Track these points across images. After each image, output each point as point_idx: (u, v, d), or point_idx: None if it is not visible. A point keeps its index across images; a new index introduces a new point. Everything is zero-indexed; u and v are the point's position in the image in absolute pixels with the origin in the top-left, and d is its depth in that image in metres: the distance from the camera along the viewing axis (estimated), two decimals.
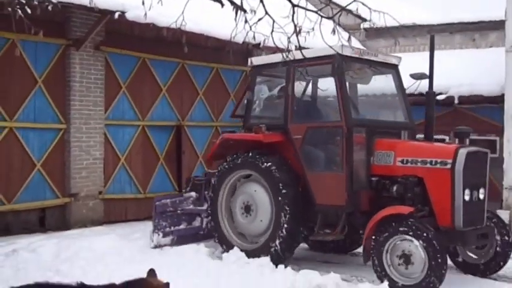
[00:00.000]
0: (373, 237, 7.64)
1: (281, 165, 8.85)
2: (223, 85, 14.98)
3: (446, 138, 12.65)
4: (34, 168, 11.34)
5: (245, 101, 9.87)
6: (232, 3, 4.93)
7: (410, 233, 7.32)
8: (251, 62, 9.67)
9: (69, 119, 11.75)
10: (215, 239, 9.56)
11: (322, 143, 8.91)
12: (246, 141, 9.27)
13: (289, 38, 4.96)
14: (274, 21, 4.83)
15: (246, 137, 9.38)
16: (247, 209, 9.16)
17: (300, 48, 5.16)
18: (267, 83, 10.25)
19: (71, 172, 11.77)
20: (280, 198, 8.62)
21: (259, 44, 6.71)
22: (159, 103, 13.62)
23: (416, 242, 7.27)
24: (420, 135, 9.14)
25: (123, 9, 10.97)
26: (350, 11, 15.79)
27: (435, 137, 9.03)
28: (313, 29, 4.76)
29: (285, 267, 8.24)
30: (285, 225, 8.55)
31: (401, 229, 7.40)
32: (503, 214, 11.43)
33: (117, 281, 4.30)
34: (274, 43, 5.03)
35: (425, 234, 7.23)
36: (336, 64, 8.25)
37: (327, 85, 9.29)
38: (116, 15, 11.05)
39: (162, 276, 4.50)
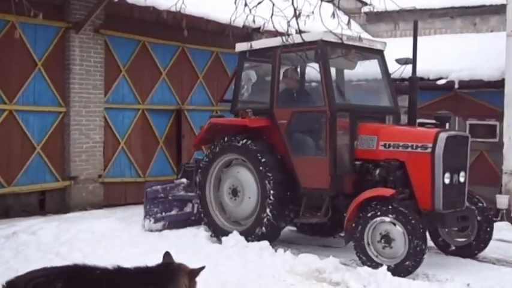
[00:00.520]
0: (355, 218, 7.79)
1: (267, 149, 9.00)
2: (223, 69, 14.94)
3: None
4: (34, 151, 11.36)
5: (233, 86, 9.94)
6: None
7: (391, 215, 7.50)
8: (237, 48, 9.72)
9: (69, 102, 11.74)
10: (203, 223, 9.67)
11: (306, 127, 9.04)
12: (232, 126, 9.41)
13: (288, 21, 4.94)
14: (274, 5, 4.81)
15: (232, 121, 9.53)
16: (234, 192, 9.32)
17: (299, 32, 5.15)
18: (255, 68, 10.36)
19: (71, 155, 11.79)
20: (266, 181, 8.77)
21: (259, 27, 6.69)
22: (159, 87, 13.60)
23: (396, 223, 7.45)
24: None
25: None
26: None
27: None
28: (313, 12, 4.75)
29: (284, 251, 8.28)
30: (271, 208, 8.71)
31: (382, 211, 7.57)
32: (503, 199, 11.49)
33: (116, 262, 4.31)
34: (274, 27, 5.01)
35: (405, 216, 7.40)
36: (320, 50, 8.43)
37: (314, 70, 9.36)
38: None
39: (160, 259, 4.51)
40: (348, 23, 4.90)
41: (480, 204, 8.61)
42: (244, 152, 9.09)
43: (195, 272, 4.30)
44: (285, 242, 9.26)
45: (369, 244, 7.67)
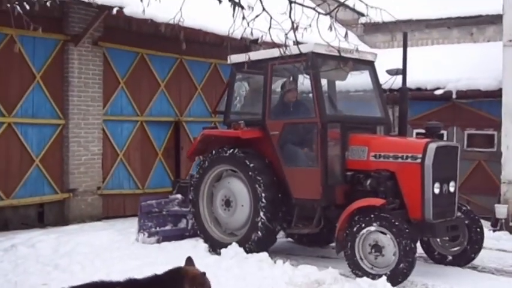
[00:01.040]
0: (346, 228, 7.82)
1: (254, 155, 9.08)
2: (222, 80, 14.95)
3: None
4: (33, 164, 11.36)
5: (225, 98, 10.01)
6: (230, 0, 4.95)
7: (382, 224, 7.55)
8: (230, 60, 9.74)
9: (68, 115, 11.76)
10: (200, 235, 9.66)
11: (298, 138, 9.13)
12: (225, 137, 9.50)
13: (286, 34, 4.98)
14: (271, 18, 4.84)
15: (225, 133, 9.64)
16: (227, 203, 9.37)
17: (297, 44, 5.18)
18: (247, 79, 10.42)
19: (70, 167, 11.79)
20: (256, 185, 8.83)
21: (257, 39, 6.72)
22: (157, 99, 13.63)
23: (387, 232, 7.49)
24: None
25: (121, 4, 10.96)
26: (348, 6, 15.84)
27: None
28: (310, 25, 4.78)
29: (284, 262, 8.28)
30: (264, 211, 8.76)
31: (372, 220, 7.61)
32: (502, 208, 11.49)
33: (115, 275, 4.36)
34: (271, 39, 5.04)
35: (395, 226, 7.44)
36: (310, 62, 8.48)
37: (305, 82, 9.42)
38: (114, 10, 11.02)
39: (160, 272, 4.54)
40: (345, 36, 4.93)
41: (464, 208, 8.72)
42: (232, 161, 9.17)
43: (199, 279, 4.34)
44: (284, 253, 9.27)
45: (361, 258, 7.71)
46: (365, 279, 7.42)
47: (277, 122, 9.06)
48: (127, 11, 11.04)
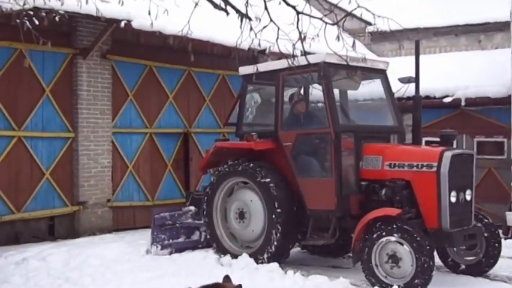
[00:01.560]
0: (362, 239, 7.77)
1: (270, 169, 9.04)
2: (230, 91, 15.00)
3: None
4: (43, 177, 11.40)
5: (237, 109, 9.99)
6: (238, 11, 4.97)
7: (398, 235, 7.46)
8: (241, 71, 9.75)
9: (77, 128, 11.82)
10: (213, 248, 9.63)
11: (312, 149, 9.07)
12: (238, 149, 9.47)
13: (294, 44, 4.99)
14: (279, 29, 4.86)
15: (237, 145, 9.63)
16: (241, 215, 9.32)
17: (305, 54, 5.20)
18: (259, 90, 10.41)
19: (80, 180, 11.83)
20: (271, 200, 8.78)
21: (265, 50, 6.73)
22: (166, 110, 13.67)
23: (404, 243, 7.41)
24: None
25: (129, 17, 11.03)
26: (355, 16, 15.83)
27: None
28: (317, 35, 4.79)
29: (294, 272, 8.25)
30: (279, 226, 8.71)
31: (389, 231, 7.54)
32: None
33: (126, 287, 4.34)
34: (279, 49, 5.06)
35: (412, 236, 7.37)
36: (322, 72, 8.43)
37: (317, 92, 9.41)
38: (122, 23, 11.10)
39: (171, 283, 4.53)
40: (353, 45, 4.94)
41: (486, 221, 8.57)
42: (246, 174, 9.13)
43: None
44: (295, 264, 9.23)
45: (377, 265, 7.64)
46: None
47: (290, 133, 9.02)
48: (135, 24, 11.11)
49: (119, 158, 12.72)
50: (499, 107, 12.99)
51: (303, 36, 4.84)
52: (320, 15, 5.37)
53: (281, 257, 8.93)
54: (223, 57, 13.42)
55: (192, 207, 10.52)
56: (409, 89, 9.47)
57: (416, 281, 7.29)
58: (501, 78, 12.62)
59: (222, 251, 9.43)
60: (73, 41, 11.78)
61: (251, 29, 5.01)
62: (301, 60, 5.72)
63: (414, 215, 7.97)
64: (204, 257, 9.37)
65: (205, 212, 9.67)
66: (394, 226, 7.51)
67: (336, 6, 5.40)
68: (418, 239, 7.32)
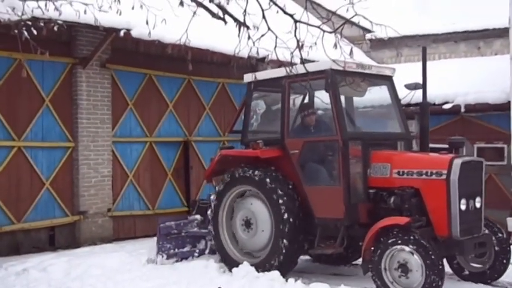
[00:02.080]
0: (372, 248, 7.68)
1: (278, 178, 8.90)
2: (230, 99, 15.02)
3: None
4: (43, 187, 11.40)
5: (242, 117, 9.94)
6: (235, 20, 4.98)
7: (408, 243, 7.36)
8: (245, 78, 9.71)
9: (77, 137, 11.82)
10: (218, 257, 9.55)
11: (319, 157, 8.96)
12: (243, 157, 9.34)
13: (292, 52, 4.99)
14: (277, 37, 4.86)
15: (243, 153, 9.48)
16: (247, 224, 9.21)
17: (303, 62, 5.20)
18: (263, 98, 10.33)
19: (80, 190, 11.82)
20: (279, 210, 8.66)
21: (264, 58, 6.74)
22: (166, 119, 13.68)
23: (413, 251, 7.32)
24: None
25: (128, 27, 11.04)
26: (354, 23, 15.87)
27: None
28: (315, 43, 4.80)
29: (295, 280, 8.22)
30: (286, 237, 8.59)
31: (398, 239, 7.44)
32: None
33: None
34: (277, 57, 5.06)
35: (422, 244, 7.27)
36: (329, 79, 8.34)
37: (323, 99, 9.35)
38: (121, 33, 11.12)
39: None
40: (350, 53, 4.94)
41: (500, 235, 8.46)
42: (253, 182, 9.01)
43: None
44: (296, 271, 9.18)
45: (385, 269, 7.52)
46: None
47: (296, 140, 8.91)
48: (134, 33, 11.12)
49: (119, 167, 12.72)
50: (498, 113, 13.01)
51: (300, 44, 4.84)
52: (318, 23, 5.37)
53: (289, 266, 8.81)
54: (223, 65, 13.45)
55: (197, 216, 10.42)
56: (414, 95, 9.39)
57: None
58: (500, 84, 12.64)
59: (226, 260, 9.35)
60: (72, 51, 11.80)
61: (249, 37, 5.02)
62: (306, 68, 5.68)
63: (424, 223, 7.86)
64: (205, 265, 9.34)
65: (210, 220, 9.59)
66: (412, 237, 7.36)
67: (334, 13, 5.40)
68: (433, 256, 7.18)
